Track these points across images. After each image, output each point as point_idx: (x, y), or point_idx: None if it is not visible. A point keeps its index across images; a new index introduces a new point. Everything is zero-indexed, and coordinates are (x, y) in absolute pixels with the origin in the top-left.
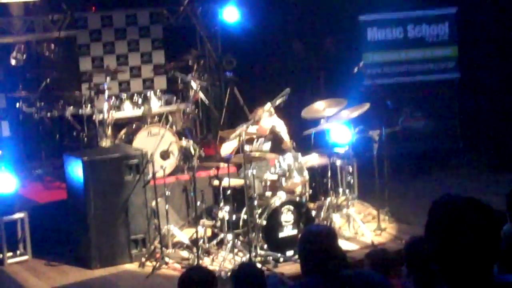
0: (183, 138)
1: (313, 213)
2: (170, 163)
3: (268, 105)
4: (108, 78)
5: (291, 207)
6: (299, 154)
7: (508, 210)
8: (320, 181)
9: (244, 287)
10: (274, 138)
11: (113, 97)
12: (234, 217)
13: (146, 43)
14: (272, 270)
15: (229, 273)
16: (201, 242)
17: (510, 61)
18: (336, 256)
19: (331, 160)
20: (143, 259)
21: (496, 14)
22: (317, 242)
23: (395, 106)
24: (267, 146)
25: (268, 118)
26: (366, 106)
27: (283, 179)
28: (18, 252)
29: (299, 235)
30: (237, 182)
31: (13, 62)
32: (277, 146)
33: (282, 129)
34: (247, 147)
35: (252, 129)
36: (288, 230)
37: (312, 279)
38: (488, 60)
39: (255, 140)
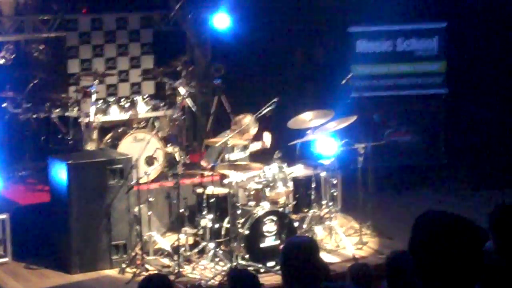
0: (169, 144)
1: (296, 224)
2: (155, 169)
3: (252, 118)
4: (95, 81)
5: (274, 218)
6: (285, 164)
7: (490, 228)
8: (304, 193)
9: None
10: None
11: (100, 101)
12: (216, 225)
13: (136, 47)
14: None
15: (209, 282)
16: (182, 250)
17: (498, 79)
18: (317, 268)
19: (316, 171)
20: (124, 265)
21: (485, 30)
22: (299, 254)
23: (382, 119)
24: (245, 154)
25: (255, 128)
26: (353, 118)
27: (267, 189)
28: None
29: (281, 246)
30: (221, 190)
31: (1, 61)
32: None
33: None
34: (227, 155)
35: (237, 136)
36: (270, 241)
37: None
38: (476, 77)
39: (235, 148)
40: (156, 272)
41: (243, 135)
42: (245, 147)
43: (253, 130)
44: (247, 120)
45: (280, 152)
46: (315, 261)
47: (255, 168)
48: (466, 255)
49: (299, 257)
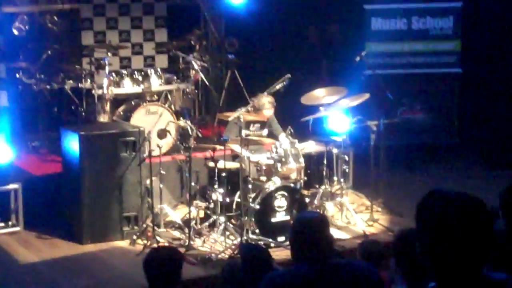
0: (181, 118)
1: (307, 200)
2: (167, 142)
3: (271, 98)
4: (109, 54)
5: (285, 193)
6: (296, 140)
7: (501, 207)
8: (316, 169)
9: (252, 267)
10: (270, 126)
11: (114, 73)
12: (227, 199)
13: (150, 20)
14: None
15: (219, 256)
16: (193, 223)
17: None
18: (327, 244)
19: (328, 148)
20: (135, 237)
21: (502, 11)
22: (309, 229)
23: (395, 97)
24: (264, 132)
25: (269, 109)
26: (366, 96)
27: (279, 164)
28: (10, 223)
29: (292, 221)
30: (232, 165)
31: (15, 32)
32: (273, 135)
33: (276, 127)
34: (243, 131)
35: (252, 113)
36: (280, 216)
37: (301, 266)
38: (490, 56)
39: (252, 125)
40: (165, 244)
41: (258, 113)
42: (261, 126)
43: (269, 111)
44: (265, 99)
45: (291, 128)
46: (325, 237)
47: (267, 144)
48: (474, 234)
49: (309, 232)
